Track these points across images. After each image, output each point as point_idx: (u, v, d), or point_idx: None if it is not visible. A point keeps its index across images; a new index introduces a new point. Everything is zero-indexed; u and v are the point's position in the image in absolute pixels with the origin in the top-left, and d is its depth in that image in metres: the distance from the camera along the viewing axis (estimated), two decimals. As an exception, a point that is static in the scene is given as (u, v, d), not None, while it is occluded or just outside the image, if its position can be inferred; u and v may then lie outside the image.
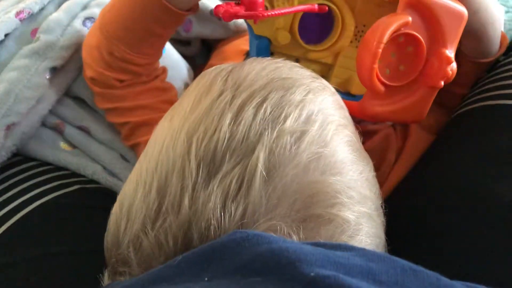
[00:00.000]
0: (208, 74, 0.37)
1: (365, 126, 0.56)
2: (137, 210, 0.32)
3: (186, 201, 0.30)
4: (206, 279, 0.26)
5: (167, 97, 0.55)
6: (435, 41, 0.44)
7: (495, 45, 0.52)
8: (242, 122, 0.32)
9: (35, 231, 0.47)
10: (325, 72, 0.51)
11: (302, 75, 0.37)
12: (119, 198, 0.35)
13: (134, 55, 0.51)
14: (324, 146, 0.33)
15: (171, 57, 0.64)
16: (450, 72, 0.43)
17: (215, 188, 0.30)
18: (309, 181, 0.32)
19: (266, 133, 0.31)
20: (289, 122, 0.32)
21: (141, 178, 0.33)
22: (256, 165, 0.31)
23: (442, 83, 0.44)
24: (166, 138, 0.34)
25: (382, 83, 0.44)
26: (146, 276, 0.28)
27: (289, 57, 0.49)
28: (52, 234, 0.46)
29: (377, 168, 0.53)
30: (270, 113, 0.32)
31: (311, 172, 0.32)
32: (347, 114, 0.39)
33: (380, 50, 0.41)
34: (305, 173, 0.32)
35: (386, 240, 0.38)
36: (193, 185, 0.31)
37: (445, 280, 0.25)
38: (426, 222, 0.44)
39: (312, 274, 0.24)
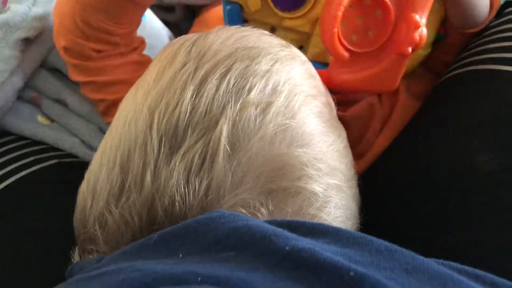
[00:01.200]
0: (172, 45, 0.36)
1: (346, 96, 0.54)
2: (101, 188, 0.32)
3: (148, 177, 0.30)
4: (180, 255, 0.26)
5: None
6: (404, 5, 0.42)
7: (482, 12, 0.49)
8: (205, 95, 0.31)
9: (10, 207, 0.46)
10: (304, 41, 0.49)
11: (270, 44, 0.35)
12: (86, 175, 0.35)
13: (112, 25, 0.48)
14: (291, 118, 0.32)
15: (152, 25, 0.62)
16: (418, 38, 0.41)
17: (177, 164, 0.30)
18: (275, 154, 0.31)
19: (230, 105, 0.31)
20: (253, 93, 0.31)
21: (105, 155, 0.33)
22: (219, 139, 0.30)
23: (410, 49, 0.42)
24: (129, 113, 0.33)
25: (346, 49, 0.42)
26: (119, 255, 0.28)
27: (264, 25, 0.47)
28: (28, 210, 0.46)
29: (361, 136, 0.52)
30: (234, 84, 0.31)
31: (277, 145, 0.31)
32: (318, 83, 0.37)
33: (340, 13, 0.40)
34: (271, 145, 0.31)
35: (362, 208, 0.38)
36: (155, 161, 0.30)
37: (421, 259, 0.25)
38: (409, 192, 0.43)
39: (287, 248, 0.24)
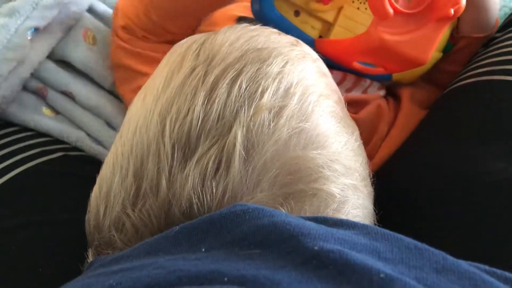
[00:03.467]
0: (179, 47, 0.35)
1: (355, 96, 0.55)
2: (115, 195, 0.31)
3: (163, 184, 0.30)
4: (203, 249, 0.25)
5: None
6: None
7: (493, 18, 0.51)
8: (217, 100, 0.30)
9: (16, 199, 0.45)
10: (324, 31, 0.50)
11: (280, 43, 0.35)
12: (98, 180, 0.34)
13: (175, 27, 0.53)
14: (305, 120, 0.32)
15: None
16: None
17: (192, 170, 0.29)
18: (290, 157, 0.31)
19: (243, 110, 0.30)
20: (266, 97, 0.31)
21: (117, 162, 0.32)
22: (234, 144, 0.29)
23: (452, 11, 0.42)
24: (139, 119, 0.32)
25: (391, 6, 0.42)
26: (141, 246, 0.27)
27: (290, 6, 0.48)
28: (34, 202, 0.45)
29: (369, 139, 0.53)
30: (246, 88, 0.31)
31: (292, 148, 0.31)
32: (330, 81, 0.38)
33: None
34: (286, 149, 0.31)
35: (374, 210, 0.38)
36: (169, 168, 0.30)
37: (451, 259, 0.24)
38: (417, 198, 0.44)
39: (316, 247, 0.23)
